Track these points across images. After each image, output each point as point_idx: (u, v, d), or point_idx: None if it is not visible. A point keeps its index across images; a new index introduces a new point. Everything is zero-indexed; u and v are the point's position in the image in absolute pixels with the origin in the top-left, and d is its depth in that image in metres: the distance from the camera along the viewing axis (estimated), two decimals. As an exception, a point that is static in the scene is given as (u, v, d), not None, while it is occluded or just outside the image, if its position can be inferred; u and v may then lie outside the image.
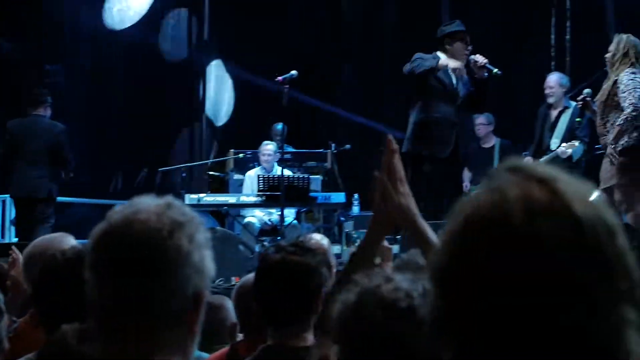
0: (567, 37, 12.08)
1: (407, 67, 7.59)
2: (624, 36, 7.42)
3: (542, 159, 8.37)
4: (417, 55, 7.61)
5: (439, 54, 7.69)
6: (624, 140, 7.16)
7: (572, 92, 8.66)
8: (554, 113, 8.72)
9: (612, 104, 7.25)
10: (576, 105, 8.09)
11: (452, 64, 7.54)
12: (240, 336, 3.44)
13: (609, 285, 1.08)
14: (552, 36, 12.14)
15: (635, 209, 7.12)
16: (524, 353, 1.07)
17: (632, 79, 7.18)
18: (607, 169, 7.28)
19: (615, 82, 7.23)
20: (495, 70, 7.54)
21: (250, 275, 3.22)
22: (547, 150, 8.61)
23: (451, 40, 7.70)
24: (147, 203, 1.60)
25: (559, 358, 1.07)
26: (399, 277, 1.84)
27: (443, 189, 7.53)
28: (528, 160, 1.08)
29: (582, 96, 7.74)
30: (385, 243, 4.02)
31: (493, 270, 1.07)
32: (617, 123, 7.15)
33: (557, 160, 8.27)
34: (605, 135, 7.32)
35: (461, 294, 1.09)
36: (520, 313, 1.07)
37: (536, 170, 1.12)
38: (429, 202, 7.04)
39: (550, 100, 8.71)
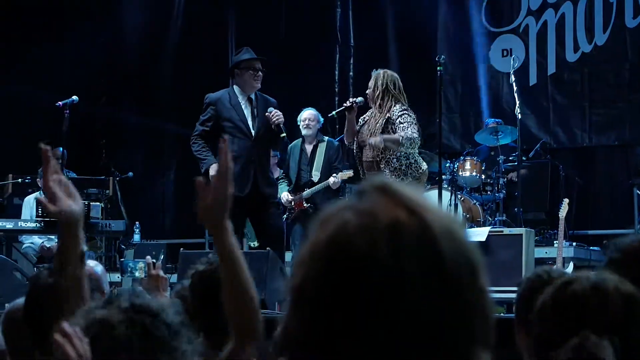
0: (351, 73, 12.56)
1: (192, 141, 7.48)
2: (381, 71, 7.53)
3: (305, 192, 8.61)
4: (197, 146, 7.44)
5: (233, 85, 7.58)
6: (402, 179, 7.30)
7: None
8: (308, 147, 8.88)
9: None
10: (329, 138, 8.33)
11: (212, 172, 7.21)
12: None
13: (464, 326, 1.06)
14: (336, 72, 12.57)
15: None
16: None
17: (407, 114, 7.33)
18: None
19: (388, 120, 7.32)
20: (283, 134, 7.44)
21: (19, 300, 3.16)
22: (309, 183, 8.74)
23: (240, 71, 7.56)
24: None
25: None
26: None
27: (257, 227, 7.54)
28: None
29: (352, 100, 7.66)
30: (161, 273, 4.07)
31: (352, 296, 1.03)
32: (400, 135, 7.22)
33: (322, 192, 8.53)
34: (381, 170, 7.33)
35: (316, 313, 1.05)
36: (375, 346, 1.03)
37: (407, 196, 1.09)
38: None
39: (309, 132, 8.82)
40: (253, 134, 7.49)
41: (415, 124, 7.38)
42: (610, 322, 1.78)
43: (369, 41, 12.31)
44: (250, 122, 7.53)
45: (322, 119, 9.12)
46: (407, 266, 1.03)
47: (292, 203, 8.70)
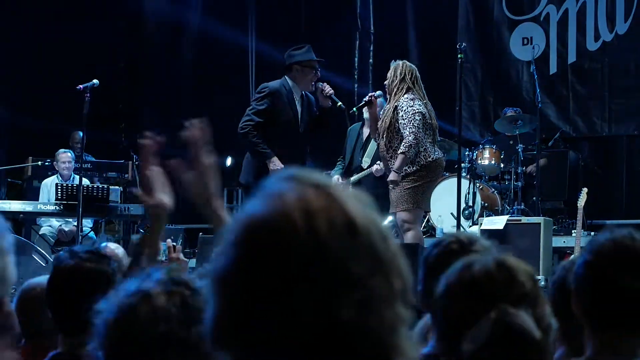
0: (371, 60, 12.54)
1: (242, 126, 7.39)
2: (400, 62, 7.50)
3: (353, 177, 8.57)
4: (253, 137, 7.33)
5: (288, 79, 7.53)
6: (407, 167, 7.30)
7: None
8: (366, 131, 8.68)
9: (395, 130, 7.34)
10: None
11: (273, 167, 7.24)
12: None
13: (384, 282, 1.12)
14: (356, 59, 12.55)
15: (416, 229, 7.43)
16: (306, 354, 1.09)
17: (410, 105, 7.28)
18: (394, 194, 7.39)
19: (396, 108, 7.31)
20: (340, 103, 7.54)
21: (34, 280, 3.15)
22: (358, 169, 8.67)
23: (301, 68, 7.52)
24: None
25: (338, 357, 1.09)
26: None
27: None
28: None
29: (371, 94, 7.73)
30: (181, 256, 4.07)
31: (278, 270, 1.09)
32: (400, 151, 7.23)
33: (370, 178, 8.47)
34: (389, 160, 7.40)
35: (246, 297, 1.10)
36: (302, 310, 1.09)
37: (311, 177, 1.16)
38: None
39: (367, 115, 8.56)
40: (301, 129, 7.53)
41: (417, 117, 7.27)
42: (519, 295, 1.79)
43: (389, 28, 12.29)
44: (300, 119, 7.54)
45: (384, 102, 9.10)
46: (322, 230, 1.10)
47: None
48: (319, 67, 7.59)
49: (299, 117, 7.51)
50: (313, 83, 7.54)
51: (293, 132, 7.45)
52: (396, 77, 7.40)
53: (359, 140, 8.76)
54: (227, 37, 12.43)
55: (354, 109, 7.89)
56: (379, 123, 7.50)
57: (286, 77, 7.58)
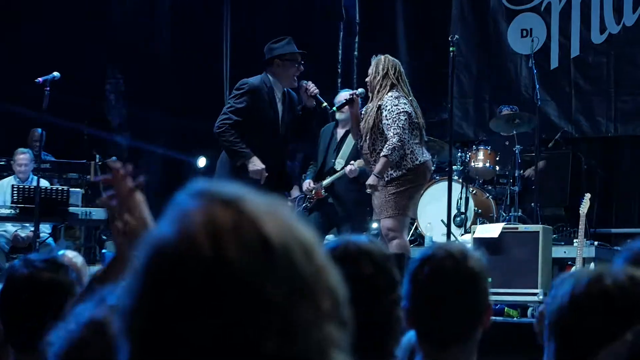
0: (355, 53, 12.61)
1: (219, 125, 7.42)
2: (382, 56, 7.56)
3: (325, 181, 8.62)
4: (230, 135, 7.37)
5: (269, 75, 7.56)
6: (393, 172, 7.37)
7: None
8: (340, 132, 8.77)
9: (379, 131, 7.40)
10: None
11: (252, 167, 7.33)
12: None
13: (309, 305, 1.09)
14: (339, 52, 12.62)
15: (402, 238, 7.49)
16: None
17: (395, 104, 7.35)
18: (377, 200, 7.45)
19: (380, 107, 7.37)
20: (325, 104, 7.60)
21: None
22: (331, 171, 8.69)
23: (283, 62, 7.54)
24: None
25: None
26: None
27: None
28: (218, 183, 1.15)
29: (353, 92, 7.77)
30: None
31: (186, 304, 1.07)
32: (383, 154, 7.29)
33: (343, 181, 8.53)
34: (373, 165, 7.45)
35: (154, 337, 1.08)
36: (218, 347, 1.06)
37: (221, 192, 1.13)
38: None
39: (342, 116, 8.59)
40: (281, 132, 7.56)
41: (402, 117, 7.34)
42: None
43: (376, 18, 12.36)
44: (280, 119, 7.57)
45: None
46: (230, 253, 1.07)
47: (313, 192, 8.71)
48: (302, 60, 7.61)
49: (280, 117, 7.54)
50: (296, 78, 7.58)
51: (273, 133, 7.48)
52: (378, 73, 7.46)
53: (332, 142, 8.79)
54: (201, 30, 12.47)
55: (334, 107, 7.92)
56: (362, 124, 7.56)
57: (267, 73, 7.60)
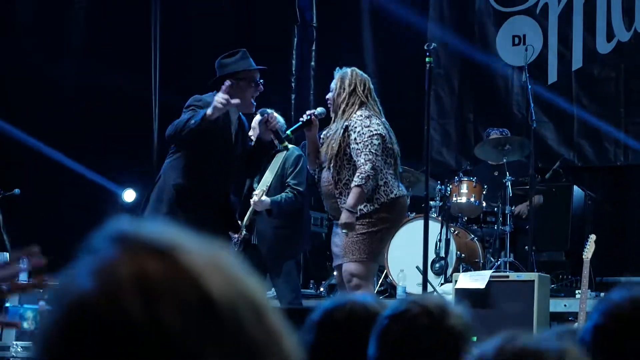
0: (312, 63, 12.69)
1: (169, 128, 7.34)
2: (348, 70, 7.62)
3: (245, 218, 8.66)
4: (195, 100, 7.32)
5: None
6: (363, 206, 7.41)
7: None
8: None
9: (346, 158, 7.46)
10: (294, 147, 8.32)
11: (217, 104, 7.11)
12: None
13: None
14: (293, 62, 12.70)
15: (368, 287, 7.55)
16: None
17: (367, 125, 7.43)
18: (341, 240, 7.50)
19: (347, 129, 7.44)
20: (286, 143, 7.62)
21: None
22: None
23: (237, 82, 7.39)
24: None
25: None
26: None
27: None
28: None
29: (310, 112, 7.72)
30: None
31: None
32: (355, 184, 7.32)
33: (263, 216, 8.57)
34: (338, 198, 7.50)
35: None
36: None
37: (153, 238, 1.12)
38: None
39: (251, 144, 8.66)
40: (231, 163, 7.50)
41: (375, 140, 7.42)
42: None
43: (336, 22, 12.46)
44: (231, 150, 7.50)
45: (281, 122, 9.24)
46: (166, 317, 1.06)
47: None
48: (258, 78, 7.51)
49: (233, 143, 7.52)
50: (253, 101, 7.52)
51: (221, 164, 7.46)
52: (343, 89, 7.52)
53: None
54: (124, 45, 12.51)
55: (288, 131, 7.87)
56: (323, 149, 7.60)
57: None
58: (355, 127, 7.44)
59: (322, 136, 7.71)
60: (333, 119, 7.63)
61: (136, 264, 1.08)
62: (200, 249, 1.12)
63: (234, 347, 1.09)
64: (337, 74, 7.64)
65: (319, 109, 7.70)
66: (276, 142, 7.58)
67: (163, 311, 1.06)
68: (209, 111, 7.05)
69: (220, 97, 7.07)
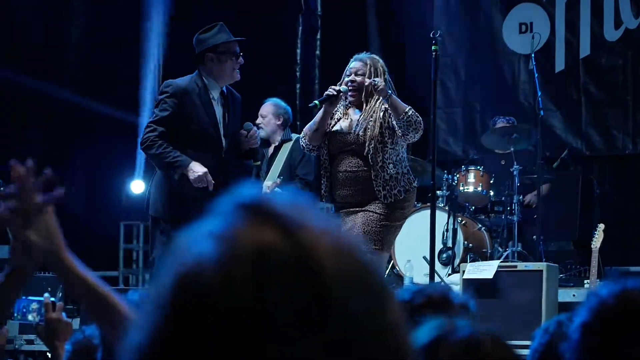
0: (317, 52, 12.69)
1: (143, 139, 7.38)
2: (374, 56, 7.61)
3: None
4: (158, 147, 7.31)
5: (202, 74, 7.48)
6: (397, 191, 7.44)
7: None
8: (270, 149, 8.99)
9: (384, 141, 7.42)
10: (298, 136, 8.24)
11: (195, 173, 7.23)
12: None
13: None
14: (298, 50, 12.70)
15: None
16: None
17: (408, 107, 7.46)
18: (364, 224, 7.44)
19: (386, 110, 7.40)
20: (258, 162, 7.59)
21: None
22: None
23: (217, 56, 7.44)
24: None
25: None
26: None
27: None
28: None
29: (336, 87, 7.51)
30: (63, 316, 4.15)
31: (213, 352, 1.04)
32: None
33: None
34: (373, 180, 7.43)
35: None
36: None
37: (281, 212, 1.09)
38: None
39: (262, 134, 8.67)
40: (224, 144, 7.47)
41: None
42: None
43: (341, 10, 12.45)
44: (221, 127, 7.49)
45: (288, 111, 9.20)
46: (276, 308, 1.03)
47: None
48: (238, 50, 7.53)
49: (220, 122, 7.48)
50: (237, 72, 7.49)
51: (214, 146, 7.46)
52: (378, 76, 7.44)
53: (264, 162, 8.86)
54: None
55: (316, 101, 7.65)
56: (359, 130, 7.47)
57: (199, 71, 7.54)
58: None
59: (336, 119, 7.60)
60: (354, 101, 7.54)
61: (259, 235, 1.05)
62: (326, 231, 1.08)
63: (342, 337, 1.04)
64: (363, 57, 7.57)
65: (343, 87, 7.54)
66: (250, 159, 7.55)
67: (272, 295, 1.02)
68: (187, 174, 7.19)
69: (196, 179, 7.15)
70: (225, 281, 1.04)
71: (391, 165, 7.44)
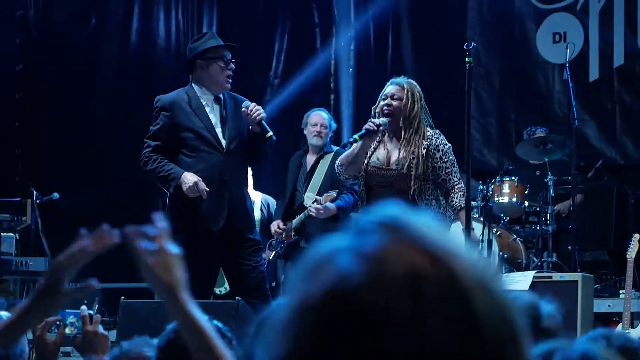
0: (351, 62, 12.69)
1: (140, 157, 7.46)
2: (412, 81, 7.45)
3: (295, 220, 8.65)
4: (152, 163, 7.40)
5: (193, 83, 7.55)
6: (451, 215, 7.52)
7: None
8: (310, 160, 8.97)
9: (427, 177, 7.33)
10: (339, 149, 8.29)
11: (188, 184, 7.26)
12: None
13: None
14: (332, 61, 12.69)
15: None
16: None
17: (445, 143, 7.40)
18: None
19: (428, 148, 7.31)
20: (270, 133, 7.46)
21: None
22: (301, 208, 8.85)
23: (205, 62, 7.50)
24: None
25: None
26: None
27: (229, 271, 7.59)
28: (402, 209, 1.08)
29: (376, 121, 7.33)
30: (100, 329, 4.18)
31: None
32: (461, 205, 7.38)
33: (326, 220, 8.57)
34: None
35: None
36: None
37: (425, 236, 1.10)
38: None
39: (319, 142, 8.90)
40: (224, 145, 7.48)
41: (453, 157, 7.50)
42: None
43: (375, 20, 12.45)
44: (219, 130, 7.51)
45: (334, 124, 9.22)
46: (432, 328, 1.03)
47: (283, 234, 8.75)
48: (229, 56, 7.55)
49: (216, 125, 7.51)
50: (228, 80, 7.52)
51: (212, 150, 7.47)
52: (415, 101, 7.34)
53: (301, 172, 8.93)
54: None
55: (356, 136, 7.51)
56: (400, 168, 7.33)
57: (191, 82, 7.63)
58: (438, 146, 7.39)
59: (373, 148, 7.45)
60: (403, 131, 7.40)
61: (409, 258, 1.06)
62: (471, 261, 1.09)
63: None
64: (403, 82, 7.44)
65: (383, 120, 7.40)
66: (265, 140, 7.50)
67: (428, 315, 1.03)
68: (171, 188, 7.30)
69: (188, 190, 7.19)
70: (381, 300, 1.04)
71: (434, 202, 7.42)
